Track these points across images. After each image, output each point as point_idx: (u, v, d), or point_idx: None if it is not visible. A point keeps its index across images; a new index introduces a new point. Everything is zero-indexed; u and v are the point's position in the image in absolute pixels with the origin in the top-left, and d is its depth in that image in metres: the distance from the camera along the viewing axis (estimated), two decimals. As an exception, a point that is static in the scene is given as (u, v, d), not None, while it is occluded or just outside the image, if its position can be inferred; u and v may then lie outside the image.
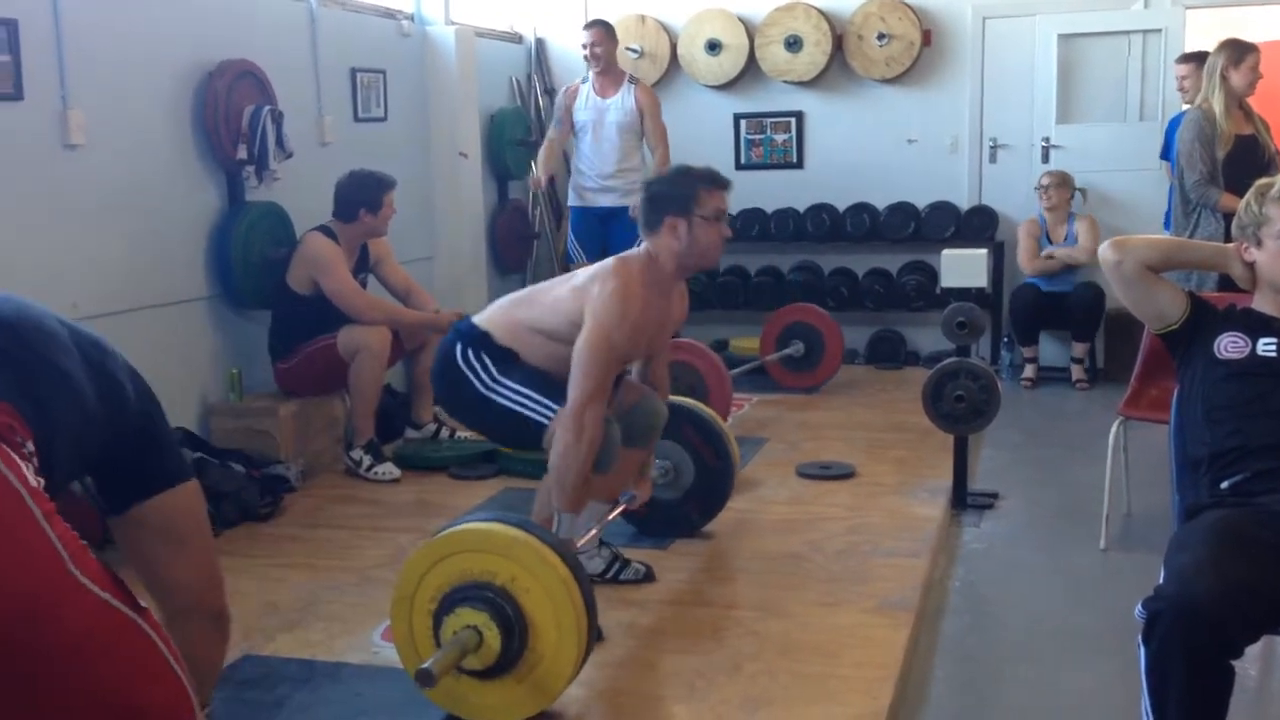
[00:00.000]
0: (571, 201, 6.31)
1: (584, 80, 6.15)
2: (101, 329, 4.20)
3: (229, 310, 4.93)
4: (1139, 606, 2.17)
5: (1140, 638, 2.16)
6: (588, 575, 2.79)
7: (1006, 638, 3.41)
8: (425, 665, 2.54)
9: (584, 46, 6.07)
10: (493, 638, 2.63)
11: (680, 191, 3.19)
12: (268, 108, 4.87)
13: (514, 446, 3.33)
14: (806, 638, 3.18)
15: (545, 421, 3.16)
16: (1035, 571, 3.86)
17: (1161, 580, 2.23)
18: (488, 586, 2.65)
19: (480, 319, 3.36)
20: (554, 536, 2.82)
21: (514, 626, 2.64)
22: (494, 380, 3.20)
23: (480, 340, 3.27)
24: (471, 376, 3.22)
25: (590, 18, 6.49)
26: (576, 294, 3.18)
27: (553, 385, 3.18)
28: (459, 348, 3.26)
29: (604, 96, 6.06)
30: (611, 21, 6.32)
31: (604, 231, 6.14)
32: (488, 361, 3.21)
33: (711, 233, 3.20)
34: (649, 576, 3.58)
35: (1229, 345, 2.58)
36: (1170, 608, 2.11)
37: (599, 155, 6.09)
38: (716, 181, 3.24)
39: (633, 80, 6.18)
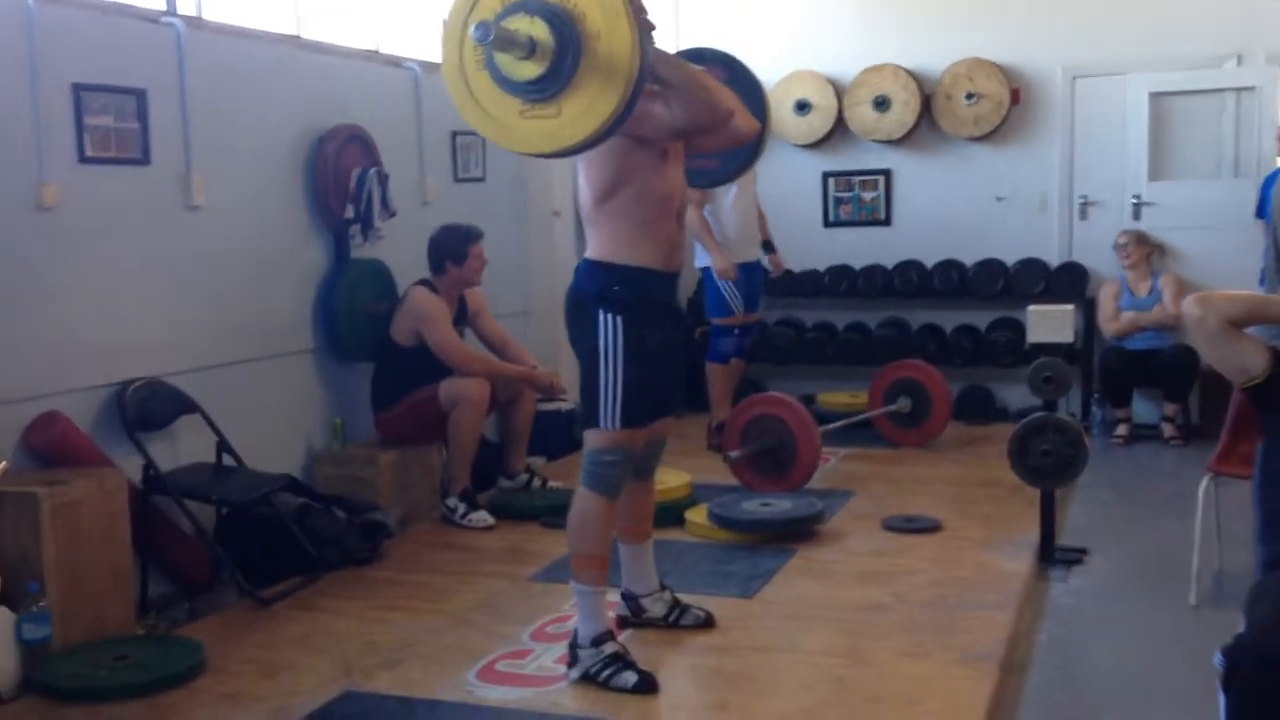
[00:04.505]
0: (733, 259, 6.06)
1: None
2: (214, 379, 4.50)
3: (333, 362, 5.14)
4: (1218, 654, 2.20)
5: (1220, 685, 2.19)
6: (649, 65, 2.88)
7: (1093, 693, 3.40)
8: (487, 19, 2.75)
9: None
10: (544, 54, 2.77)
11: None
12: (374, 169, 5.11)
13: (581, 407, 3.37)
14: (890, 687, 3.22)
15: (600, 425, 3.22)
16: (1124, 627, 3.85)
17: (1242, 629, 2.26)
18: (560, 8, 2.76)
19: (596, 254, 3.27)
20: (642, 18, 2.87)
21: (568, 52, 2.76)
22: (614, 349, 3.20)
23: (615, 296, 3.20)
24: (601, 331, 3.21)
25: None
26: (584, 168, 3.25)
27: (642, 401, 3.22)
28: (603, 315, 3.21)
29: None
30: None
31: (750, 283, 6.19)
32: (621, 331, 3.20)
33: None
34: (709, 622, 3.66)
35: (1311, 399, 2.60)
36: (1250, 657, 2.14)
37: (748, 210, 6.14)
38: None
39: None
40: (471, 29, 2.75)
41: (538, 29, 2.77)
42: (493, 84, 2.87)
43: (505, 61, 2.82)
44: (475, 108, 2.93)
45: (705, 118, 3.13)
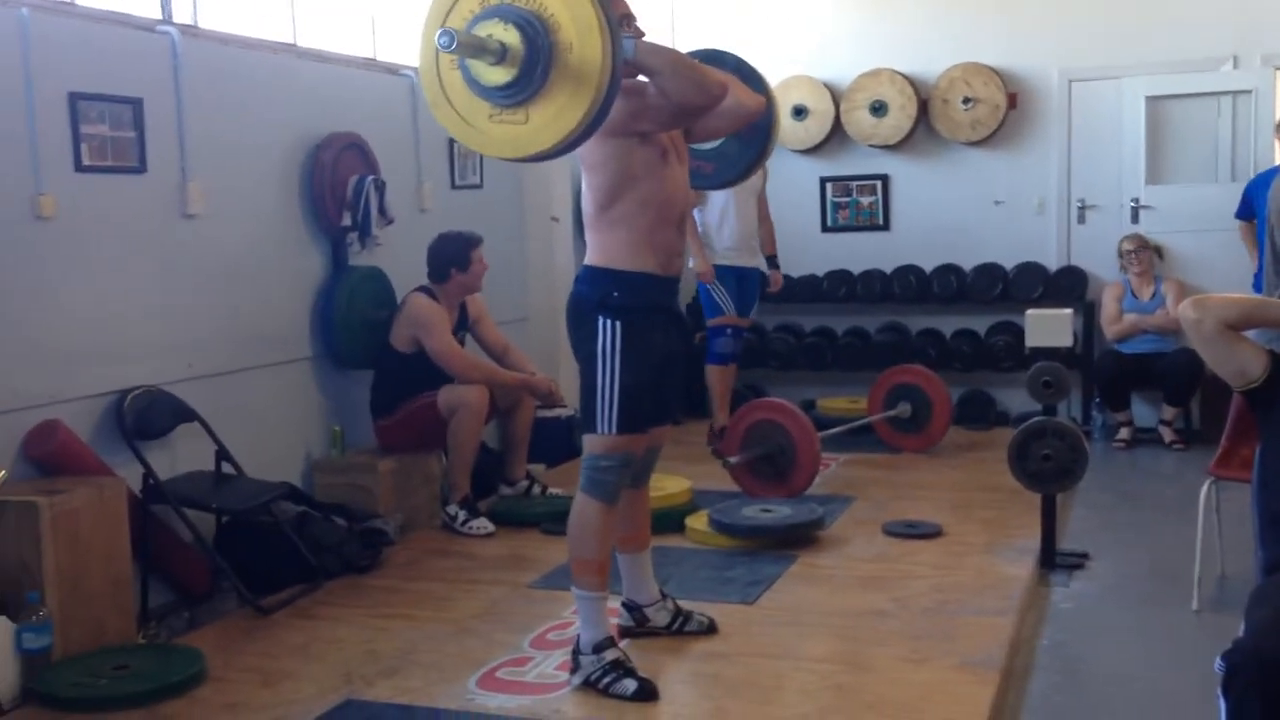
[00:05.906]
0: (725, 261, 6.11)
1: None
2: (213, 388, 4.51)
3: (332, 369, 5.14)
4: (1218, 659, 2.20)
5: (1220, 690, 2.19)
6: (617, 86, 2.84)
7: (1095, 698, 3.39)
8: (448, 27, 2.70)
9: None
10: (514, 61, 2.75)
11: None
12: (371, 177, 5.11)
13: (580, 412, 3.39)
14: (891, 693, 3.21)
15: (597, 430, 3.23)
16: (1125, 632, 3.84)
17: (1241, 633, 2.26)
18: (535, 17, 2.75)
19: (595, 260, 3.27)
20: (613, 19, 2.82)
21: (538, 60, 2.74)
22: (612, 353, 3.21)
23: (615, 302, 3.21)
24: (599, 336, 3.23)
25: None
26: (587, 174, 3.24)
27: (640, 406, 3.23)
28: (601, 320, 3.22)
29: None
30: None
31: (742, 288, 6.20)
32: (619, 336, 3.21)
33: None
34: (711, 628, 3.66)
35: (1310, 402, 2.60)
36: (1249, 661, 2.14)
37: (746, 217, 6.13)
38: None
39: None
40: (436, 36, 2.74)
41: (510, 36, 2.76)
42: (464, 85, 2.87)
43: (475, 65, 2.82)
44: (447, 107, 2.93)
45: (697, 96, 3.09)
